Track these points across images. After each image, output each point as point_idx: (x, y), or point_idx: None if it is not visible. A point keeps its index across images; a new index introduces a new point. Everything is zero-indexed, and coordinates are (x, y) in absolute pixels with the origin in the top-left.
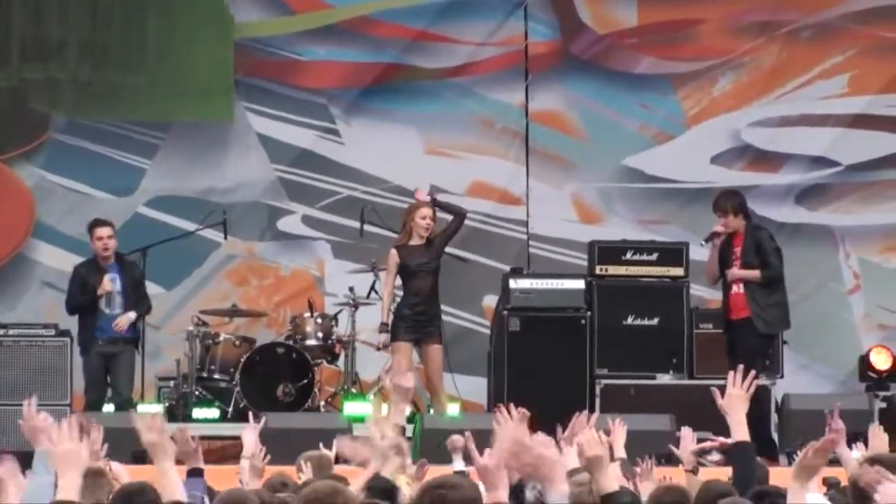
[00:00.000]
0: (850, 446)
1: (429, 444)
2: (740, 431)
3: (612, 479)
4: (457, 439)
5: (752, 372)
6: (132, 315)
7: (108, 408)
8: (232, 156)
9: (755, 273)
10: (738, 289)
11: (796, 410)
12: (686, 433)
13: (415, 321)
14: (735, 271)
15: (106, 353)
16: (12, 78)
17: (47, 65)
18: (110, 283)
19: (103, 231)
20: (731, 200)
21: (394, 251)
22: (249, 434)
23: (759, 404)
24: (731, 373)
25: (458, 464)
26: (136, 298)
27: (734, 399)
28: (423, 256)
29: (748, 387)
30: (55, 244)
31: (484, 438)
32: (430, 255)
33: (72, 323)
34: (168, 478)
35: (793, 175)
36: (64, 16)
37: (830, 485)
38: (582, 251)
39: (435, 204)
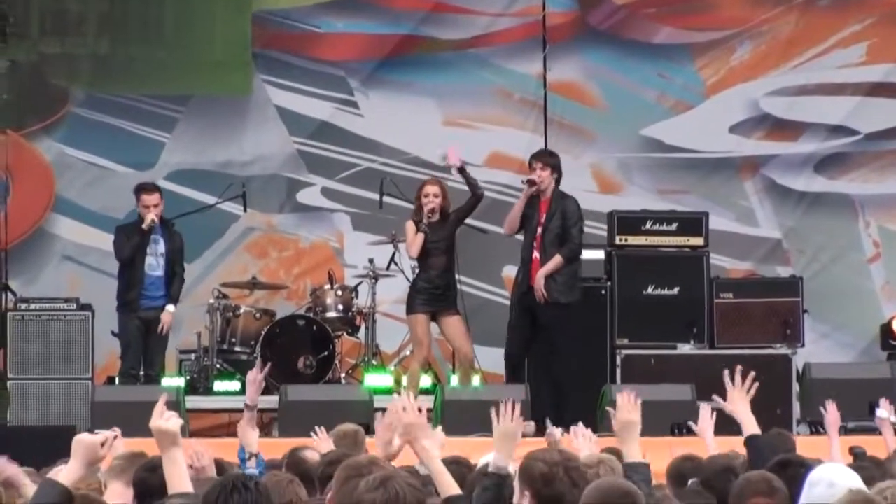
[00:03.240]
0: (875, 408)
1: (450, 415)
2: (750, 425)
3: (638, 448)
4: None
5: (752, 373)
6: (172, 308)
7: (168, 381)
8: (251, 128)
9: (557, 261)
10: (536, 254)
11: (817, 379)
12: (705, 413)
13: (430, 294)
14: (539, 282)
15: (147, 318)
16: (31, 52)
17: (66, 39)
18: (153, 220)
19: (150, 198)
20: (553, 158)
21: (411, 223)
22: (252, 382)
23: None
24: (727, 373)
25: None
26: (173, 272)
27: (737, 400)
28: (435, 235)
29: (748, 387)
30: (75, 218)
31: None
32: (442, 233)
33: (93, 297)
34: (177, 466)
35: (812, 144)
36: None
37: (857, 454)
38: (601, 221)
39: (461, 171)
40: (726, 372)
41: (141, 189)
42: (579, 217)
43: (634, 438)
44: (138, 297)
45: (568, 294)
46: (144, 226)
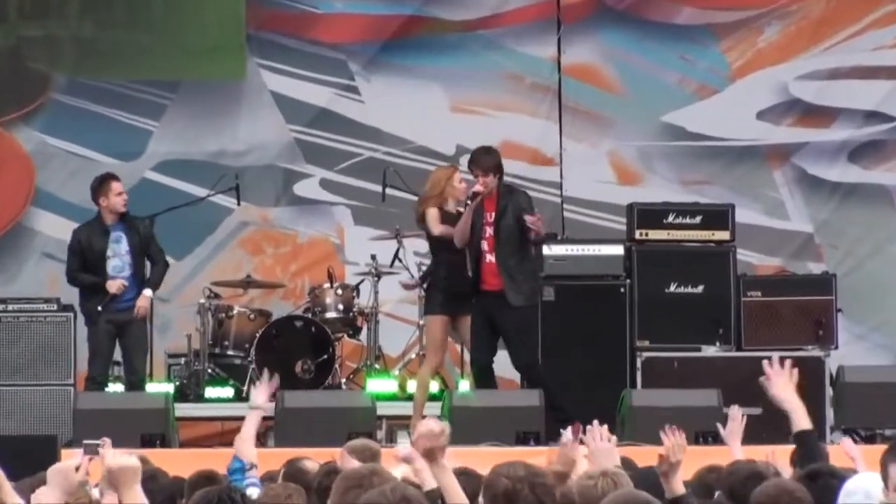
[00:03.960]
0: None
1: (458, 423)
2: (801, 419)
3: (681, 482)
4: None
5: (788, 361)
6: (149, 293)
7: (117, 387)
8: (244, 116)
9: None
10: (490, 258)
11: (852, 383)
12: (735, 413)
13: (449, 294)
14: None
15: (116, 322)
16: (9, 35)
17: (47, 21)
18: (122, 284)
19: (119, 185)
20: (492, 158)
21: (436, 210)
22: (264, 384)
23: None
24: (766, 362)
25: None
26: (151, 261)
27: (784, 386)
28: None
29: (789, 371)
30: (57, 212)
31: (513, 416)
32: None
33: (75, 296)
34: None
35: (845, 131)
36: None
37: None
38: (620, 214)
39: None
40: (765, 362)
41: (108, 178)
42: (533, 210)
43: (678, 475)
44: (103, 301)
45: (530, 296)
46: (114, 290)
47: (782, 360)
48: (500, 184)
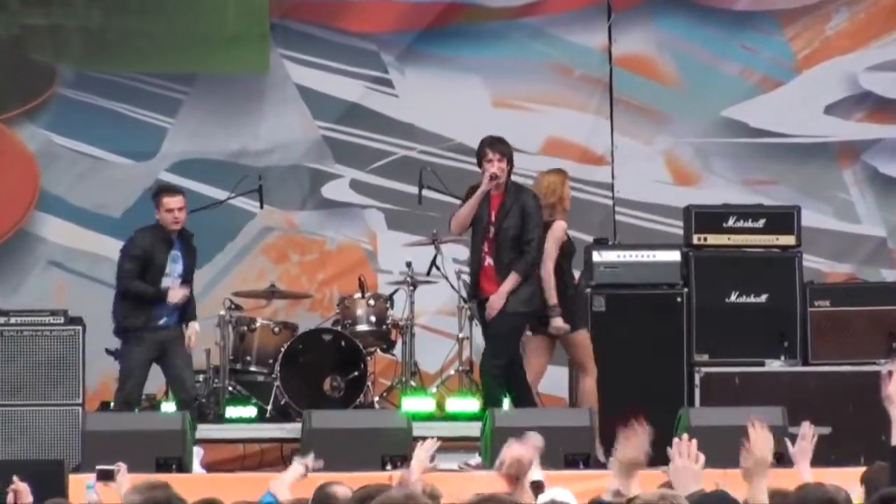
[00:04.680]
0: None
1: (501, 444)
2: None
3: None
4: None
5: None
6: (197, 326)
7: (169, 406)
8: (268, 112)
9: (514, 280)
10: (489, 261)
11: None
12: (806, 431)
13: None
14: (495, 303)
15: (162, 341)
16: (11, 25)
17: (51, 9)
18: (182, 296)
19: (173, 202)
20: (507, 145)
21: (563, 223)
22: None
23: None
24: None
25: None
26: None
27: None
28: None
29: None
30: (63, 217)
31: (563, 437)
32: None
33: (84, 309)
34: None
35: None
36: None
37: None
38: (677, 218)
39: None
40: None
41: (163, 191)
42: (541, 218)
43: (764, 479)
44: (149, 319)
45: (529, 303)
46: (177, 300)
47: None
48: (509, 180)
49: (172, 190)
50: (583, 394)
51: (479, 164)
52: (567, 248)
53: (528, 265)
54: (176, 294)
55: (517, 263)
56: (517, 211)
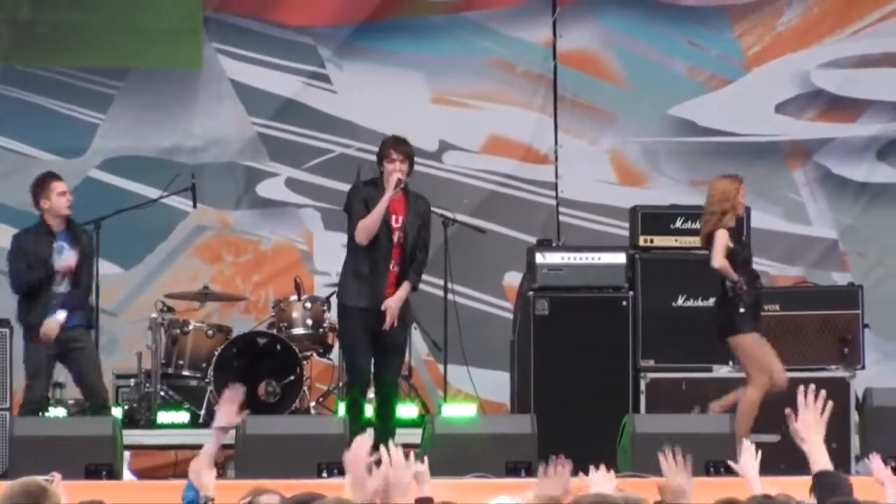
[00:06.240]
0: None
1: (440, 452)
2: (821, 459)
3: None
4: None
5: (823, 392)
6: (62, 316)
7: (59, 411)
8: (201, 107)
9: (407, 289)
10: (395, 266)
11: (881, 408)
12: (748, 449)
13: (756, 310)
14: (392, 311)
15: (64, 340)
16: None
17: None
18: (72, 257)
19: (62, 185)
20: (411, 147)
21: (725, 231)
22: (227, 400)
23: None
24: (801, 390)
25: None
26: (73, 280)
27: (810, 423)
28: None
29: (822, 408)
30: None
31: (504, 444)
32: None
33: (11, 310)
34: None
35: (873, 126)
36: None
37: None
38: (622, 219)
39: None
40: (800, 388)
41: (49, 177)
42: (430, 221)
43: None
44: (45, 313)
45: (409, 312)
46: (58, 267)
47: (818, 390)
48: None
49: (56, 175)
50: (740, 402)
51: (380, 163)
52: (735, 254)
53: (418, 276)
54: (63, 261)
55: (413, 275)
56: (416, 217)
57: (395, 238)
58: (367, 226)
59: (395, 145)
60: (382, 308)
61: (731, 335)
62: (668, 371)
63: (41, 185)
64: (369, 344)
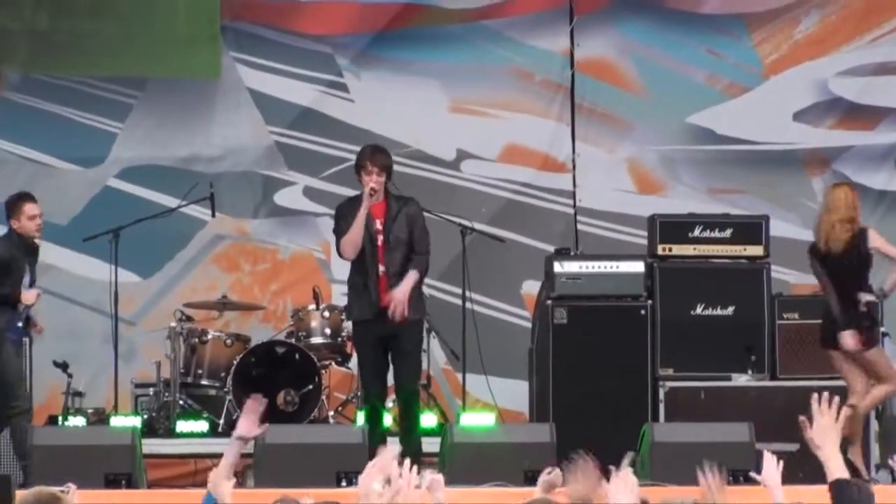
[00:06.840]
0: None
1: (459, 461)
2: (836, 467)
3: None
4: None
5: (836, 398)
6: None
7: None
8: (219, 117)
9: (414, 277)
10: (382, 269)
11: None
12: (769, 461)
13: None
14: (399, 303)
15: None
16: None
17: None
18: (36, 296)
19: (35, 208)
20: (389, 158)
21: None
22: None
23: None
24: (815, 397)
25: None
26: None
27: (825, 430)
28: None
29: (837, 413)
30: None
31: (523, 453)
32: None
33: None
34: None
35: (892, 133)
36: None
37: None
38: (641, 227)
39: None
40: (814, 396)
41: (24, 198)
42: (426, 227)
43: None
44: (8, 322)
45: (420, 309)
46: (31, 300)
47: (831, 397)
48: (386, 186)
49: (32, 197)
50: (872, 393)
51: (357, 172)
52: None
53: (424, 265)
54: (30, 295)
55: (415, 265)
56: (404, 218)
57: (379, 241)
58: (351, 239)
59: (372, 156)
60: (386, 306)
61: (875, 343)
62: (687, 380)
63: (13, 205)
64: (383, 356)
